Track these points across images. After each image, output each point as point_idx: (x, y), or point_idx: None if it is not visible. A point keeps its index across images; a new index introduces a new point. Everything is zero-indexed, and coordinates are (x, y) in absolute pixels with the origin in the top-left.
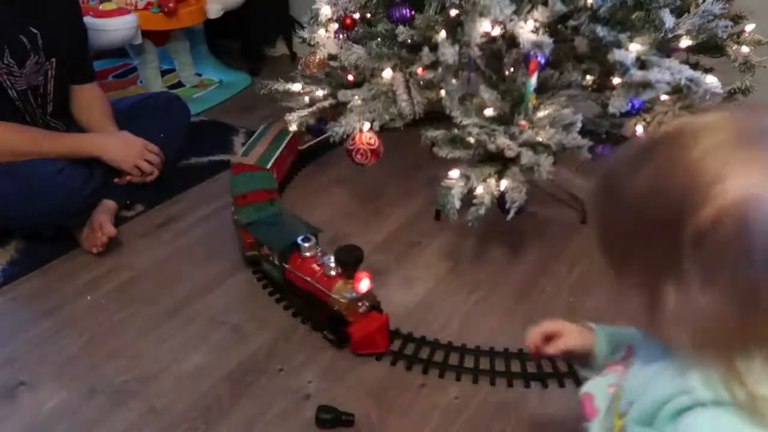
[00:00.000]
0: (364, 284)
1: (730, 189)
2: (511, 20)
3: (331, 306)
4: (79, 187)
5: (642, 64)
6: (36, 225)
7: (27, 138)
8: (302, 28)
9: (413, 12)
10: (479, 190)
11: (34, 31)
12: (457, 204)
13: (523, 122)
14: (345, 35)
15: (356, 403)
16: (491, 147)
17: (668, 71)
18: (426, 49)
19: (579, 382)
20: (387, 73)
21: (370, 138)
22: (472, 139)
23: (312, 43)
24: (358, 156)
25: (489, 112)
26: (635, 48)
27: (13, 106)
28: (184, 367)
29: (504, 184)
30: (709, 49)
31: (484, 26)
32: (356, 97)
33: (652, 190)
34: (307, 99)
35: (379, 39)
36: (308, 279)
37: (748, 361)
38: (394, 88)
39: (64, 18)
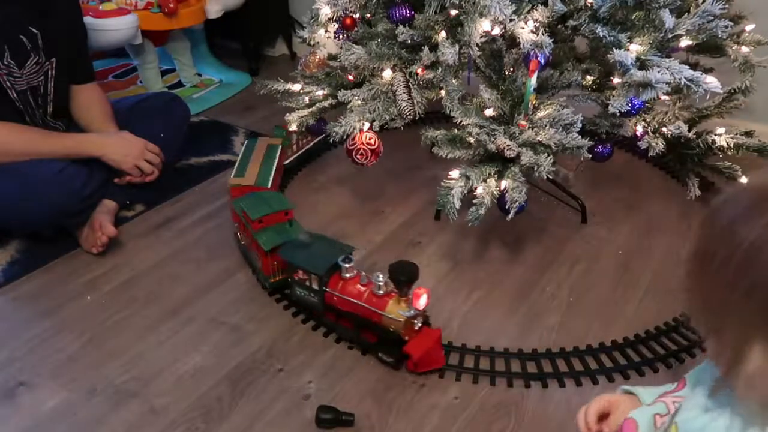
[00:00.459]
0: (422, 300)
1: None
2: (511, 20)
3: (386, 326)
4: (79, 187)
5: (642, 64)
6: (36, 225)
7: (27, 138)
8: (302, 28)
9: (413, 12)
10: (479, 190)
11: (35, 31)
12: (457, 204)
13: (523, 122)
14: (345, 35)
15: (356, 403)
16: (491, 147)
17: (668, 71)
18: (426, 49)
19: (579, 382)
20: (387, 73)
21: (370, 138)
22: (472, 139)
23: (312, 43)
24: (358, 156)
25: (489, 112)
26: (635, 48)
27: (13, 107)
28: (184, 367)
29: (504, 184)
30: (709, 49)
31: (484, 26)
32: (356, 97)
33: (764, 244)
34: (307, 99)
35: (379, 39)
36: (355, 301)
37: None
38: (394, 88)
39: (64, 18)
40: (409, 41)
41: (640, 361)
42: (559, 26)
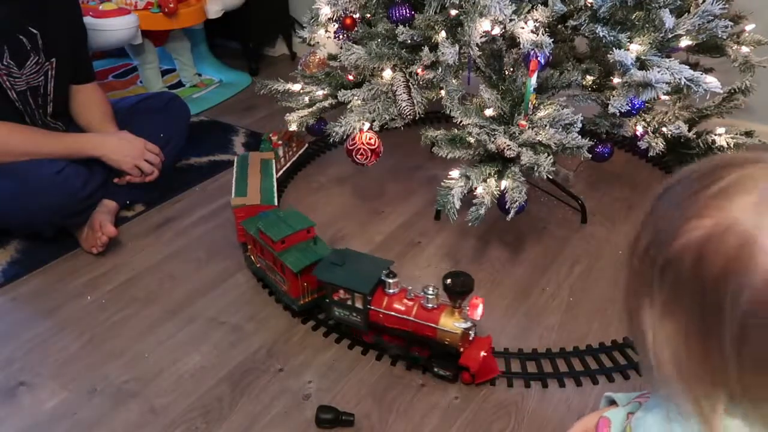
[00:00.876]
0: (479, 310)
1: (700, 228)
2: (511, 20)
3: (440, 340)
4: (79, 187)
5: (642, 64)
6: (36, 225)
7: (27, 138)
8: (302, 28)
9: (413, 12)
10: (479, 190)
11: (34, 31)
12: (457, 204)
13: (523, 122)
14: (345, 35)
15: (356, 403)
16: (491, 147)
17: (668, 71)
18: (426, 49)
19: (579, 382)
20: (387, 73)
21: (370, 138)
22: (472, 139)
23: (312, 43)
24: (358, 156)
25: (489, 112)
26: (635, 48)
27: (12, 107)
28: (184, 367)
29: (504, 184)
30: (709, 49)
31: (484, 26)
32: (356, 97)
33: (661, 216)
34: (307, 99)
35: (379, 39)
36: (404, 317)
37: (714, 403)
38: (394, 88)
39: (64, 18)
40: (409, 41)
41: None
42: (559, 26)
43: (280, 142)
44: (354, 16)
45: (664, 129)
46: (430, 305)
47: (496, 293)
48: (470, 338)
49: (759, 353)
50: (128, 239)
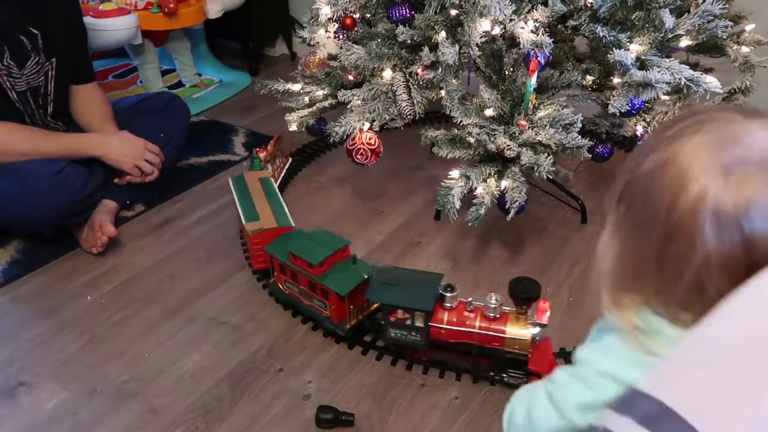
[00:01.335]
0: (547, 315)
1: (652, 160)
2: (511, 20)
3: (509, 348)
4: (79, 187)
5: (642, 64)
6: (36, 225)
7: (27, 138)
8: (302, 28)
9: (413, 12)
10: (479, 190)
11: (35, 31)
12: (457, 204)
13: (523, 122)
14: (345, 35)
15: (356, 403)
16: (491, 147)
17: (668, 71)
18: (426, 49)
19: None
20: (387, 73)
21: (370, 138)
22: (472, 139)
23: (312, 43)
24: (358, 156)
25: (489, 112)
26: (635, 48)
27: (13, 108)
28: (184, 367)
29: (504, 184)
30: (709, 49)
31: (484, 26)
32: (356, 97)
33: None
34: (307, 99)
35: (379, 39)
36: (468, 329)
37: (633, 297)
38: (394, 88)
39: (64, 18)
40: (409, 41)
41: None
42: (559, 26)
43: (268, 159)
44: (354, 16)
45: None
46: (493, 314)
47: (496, 293)
48: (536, 342)
49: (675, 266)
50: (128, 239)
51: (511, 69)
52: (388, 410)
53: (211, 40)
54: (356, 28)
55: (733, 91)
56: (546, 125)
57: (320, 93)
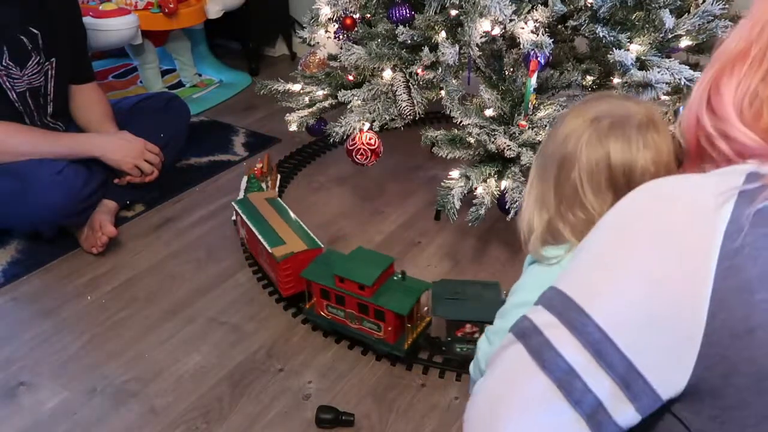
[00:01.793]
0: None
1: (560, 130)
2: (511, 20)
3: None
4: (79, 187)
5: (642, 64)
6: (36, 225)
7: (27, 138)
8: (302, 28)
9: (413, 12)
10: (479, 190)
11: (35, 31)
12: (457, 204)
13: (523, 122)
14: (345, 35)
15: (356, 403)
16: (491, 147)
17: (668, 71)
18: (426, 49)
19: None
20: (387, 73)
21: (370, 138)
22: (472, 139)
23: (312, 43)
24: (358, 156)
25: (489, 112)
26: (635, 48)
27: (12, 108)
28: (184, 367)
29: (504, 184)
30: (709, 49)
31: (484, 26)
32: (356, 98)
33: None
34: (307, 99)
35: (379, 39)
36: None
37: (542, 215)
38: (394, 88)
39: (64, 18)
40: (409, 41)
41: None
42: (559, 26)
43: (262, 178)
44: (354, 16)
45: None
46: None
47: None
48: None
49: (564, 180)
50: (128, 239)
51: (511, 69)
52: (388, 410)
53: (211, 40)
54: (356, 28)
55: None
56: (546, 125)
57: (320, 93)
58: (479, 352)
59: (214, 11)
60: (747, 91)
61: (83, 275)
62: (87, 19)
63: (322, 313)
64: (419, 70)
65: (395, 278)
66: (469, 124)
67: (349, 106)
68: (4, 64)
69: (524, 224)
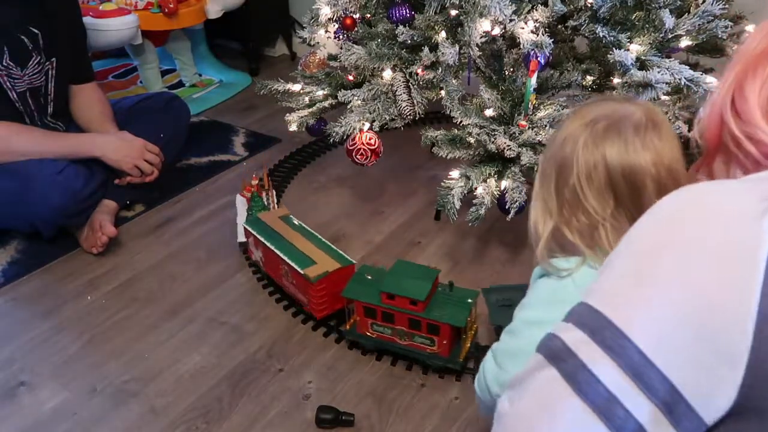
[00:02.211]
0: None
1: (561, 134)
2: (511, 20)
3: None
4: (79, 187)
5: (642, 64)
6: (36, 225)
7: (27, 138)
8: (302, 28)
9: (413, 12)
10: (479, 190)
11: (35, 30)
12: (457, 204)
13: (523, 122)
14: (345, 35)
15: (356, 403)
16: (491, 147)
17: (668, 71)
18: (426, 49)
19: None
20: (387, 73)
21: (370, 138)
22: (472, 139)
23: (312, 43)
24: (358, 156)
25: (489, 112)
26: (635, 48)
27: (12, 108)
28: (184, 367)
29: (504, 184)
30: (709, 49)
31: (484, 26)
32: (356, 97)
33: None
34: (307, 99)
35: (379, 39)
36: None
37: (547, 222)
38: (394, 88)
39: (65, 17)
40: (409, 41)
41: None
42: (559, 26)
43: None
44: (354, 16)
45: None
46: None
47: None
48: None
49: (563, 185)
50: (128, 239)
51: (511, 69)
52: (388, 410)
53: (211, 40)
54: (356, 28)
55: None
56: (546, 125)
57: (320, 93)
58: (487, 374)
59: (214, 11)
60: None
61: (83, 275)
62: (87, 19)
63: (368, 333)
64: (419, 70)
65: (442, 290)
66: (469, 124)
67: (349, 106)
68: (4, 63)
69: (531, 231)
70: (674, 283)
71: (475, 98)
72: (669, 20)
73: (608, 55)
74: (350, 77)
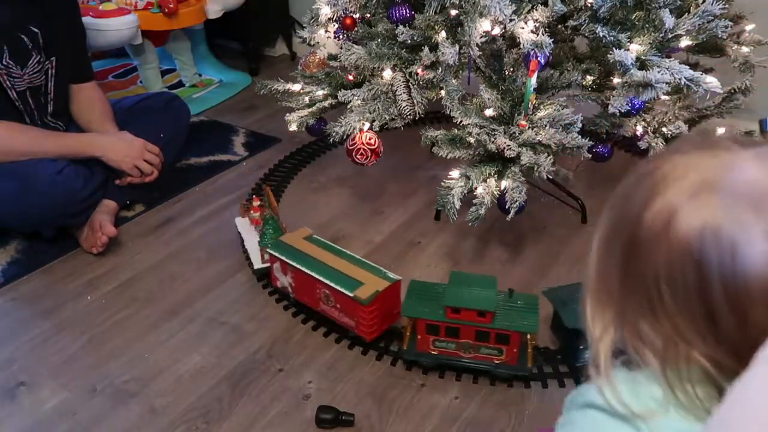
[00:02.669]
0: None
1: (639, 170)
2: (511, 20)
3: None
4: (79, 187)
5: (642, 64)
6: (36, 225)
7: (27, 138)
8: (302, 28)
9: (413, 12)
10: (479, 190)
11: (35, 30)
12: (457, 204)
13: (523, 122)
14: (345, 35)
15: (356, 403)
16: (491, 147)
17: (668, 71)
18: (426, 49)
19: (579, 381)
20: (387, 73)
21: (370, 138)
22: (472, 139)
23: (312, 43)
24: (358, 156)
25: (489, 112)
26: (635, 48)
27: (12, 107)
28: (184, 367)
29: (504, 184)
30: (709, 49)
31: (484, 26)
32: (356, 97)
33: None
34: (307, 99)
35: (379, 39)
36: None
37: (606, 325)
38: (394, 88)
39: (64, 16)
40: (409, 41)
41: None
42: (559, 26)
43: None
44: (354, 16)
45: (664, 129)
46: None
47: None
48: None
49: (634, 280)
50: (128, 239)
51: (511, 69)
52: (388, 410)
53: (211, 40)
54: (356, 28)
55: (733, 91)
56: (546, 125)
57: (320, 93)
58: None
59: (214, 11)
60: None
61: (83, 275)
62: (87, 19)
63: (430, 350)
64: (419, 70)
65: (502, 297)
66: (469, 124)
67: (349, 106)
68: (4, 63)
69: (587, 325)
70: None
71: (475, 98)
72: (669, 20)
73: (608, 55)
74: (350, 77)
